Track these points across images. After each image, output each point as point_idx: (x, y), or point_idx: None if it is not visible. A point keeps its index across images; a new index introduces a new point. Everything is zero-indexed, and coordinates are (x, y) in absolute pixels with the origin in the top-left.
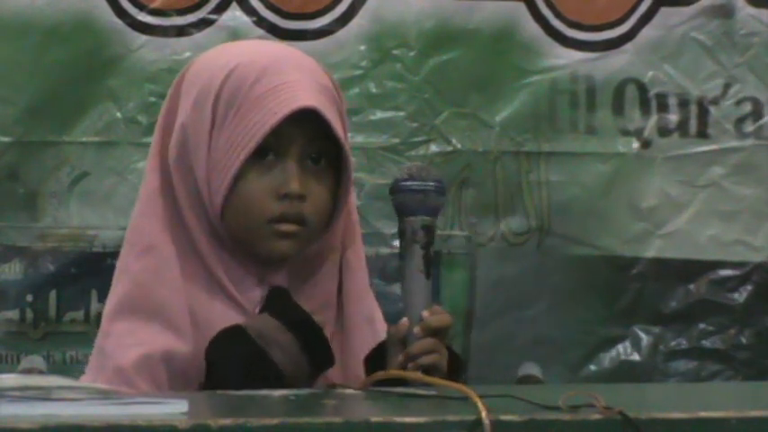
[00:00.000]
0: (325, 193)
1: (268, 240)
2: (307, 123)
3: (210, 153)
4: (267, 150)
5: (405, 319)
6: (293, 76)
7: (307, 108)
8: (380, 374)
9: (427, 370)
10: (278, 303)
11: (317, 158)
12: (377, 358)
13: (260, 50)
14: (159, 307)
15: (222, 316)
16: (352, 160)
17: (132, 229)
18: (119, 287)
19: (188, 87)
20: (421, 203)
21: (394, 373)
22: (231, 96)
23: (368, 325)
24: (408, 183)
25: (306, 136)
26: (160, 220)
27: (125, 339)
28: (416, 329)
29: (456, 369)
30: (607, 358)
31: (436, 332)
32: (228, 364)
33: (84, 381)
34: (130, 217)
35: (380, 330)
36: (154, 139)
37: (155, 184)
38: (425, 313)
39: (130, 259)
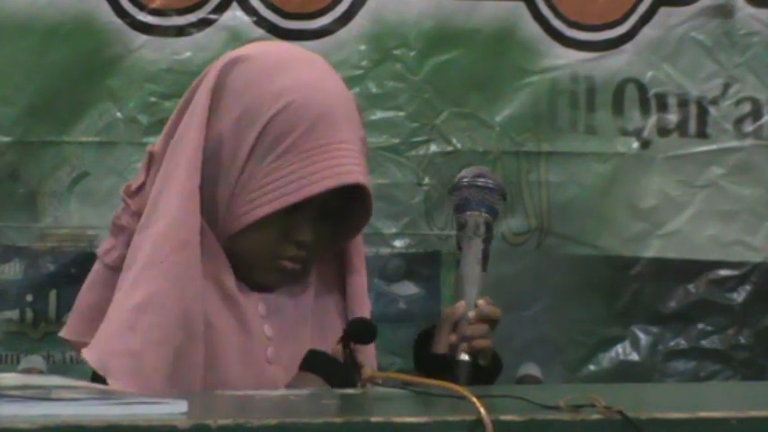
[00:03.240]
0: (327, 237)
1: (269, 272)
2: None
3: (241, 178)
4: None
5: (462, 303)
6: (344, 133)
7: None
8: (376, 374)
9: (475, 354)
10: (322, 363)
11: (331, 212)
12: (422, 342)
13: (312, 87)
14: (183, 311)
15: (226, 320)
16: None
17: (171, 224)
18: (147, 283)
19: (232, 98)
20: (486, 200)
21: (390, 375)
22: (280, 135)
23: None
24: (478, 179)
25: (332, 193)
26: (198, 219)
27: (150, 335)
28: (471, 313)
29: (495, 368)
30: (606, 358)
31: (489, 320)
32: None
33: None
34: (161, 210)
35: None
36: (191, 137)
37: (196, 183)
38: (481, 301)
39: (165, 252)
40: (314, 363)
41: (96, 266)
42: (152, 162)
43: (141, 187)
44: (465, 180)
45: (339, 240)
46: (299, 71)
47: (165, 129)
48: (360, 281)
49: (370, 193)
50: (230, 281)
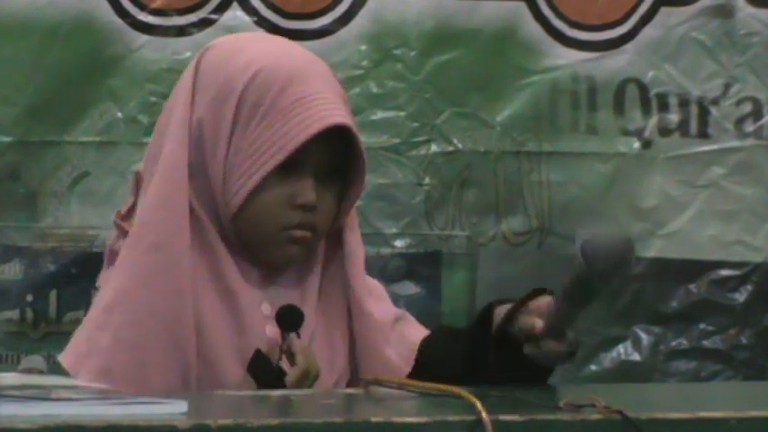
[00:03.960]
0: (332, 203)
1: (281, 246)
2: (327, 136)
3: (229, 155)
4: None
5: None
6: (318, 86)
7: (337, 125)
8: (378, 378)
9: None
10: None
11: (330, 171)
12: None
13: (279, 53)
14: (154, 309)
15: (223, 319)
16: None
17: (143, 224)
18: (114, 282)
19: (205, 82)
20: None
21: (385, 379)
22: (256, 101)
23: (376, 300)
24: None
25: (325, 148)
26: (176, 216)
27: (119, 335)
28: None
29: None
30: (607, 358)
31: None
32: None
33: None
34: (141, 206)
35: (391, 310)
36: (173, 131)
37: (178, 177)
38: None
39: (136, 253)
40: (252, 361)
41: None
42: (139, 183)
43: (132, 209)
44: (595, 268)
45: (341, 214)
46: (265, 44)
47: (149, 145)
48: (354, 255)
49: (360, 141)
50: (233, 275)
